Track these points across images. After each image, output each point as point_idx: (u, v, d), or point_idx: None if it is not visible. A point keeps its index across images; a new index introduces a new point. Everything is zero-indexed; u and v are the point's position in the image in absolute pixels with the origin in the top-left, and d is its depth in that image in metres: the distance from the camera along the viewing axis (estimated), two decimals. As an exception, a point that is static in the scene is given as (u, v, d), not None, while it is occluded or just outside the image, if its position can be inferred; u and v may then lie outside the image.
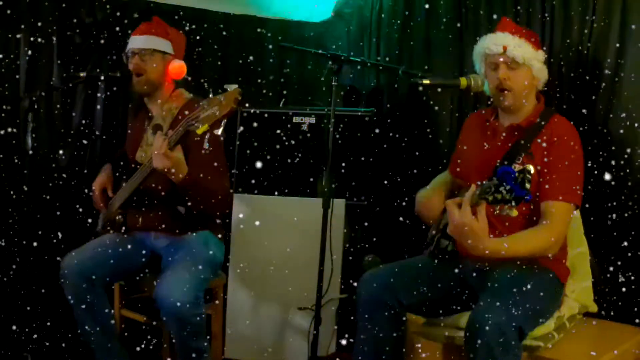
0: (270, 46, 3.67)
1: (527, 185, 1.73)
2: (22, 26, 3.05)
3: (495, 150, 2.31)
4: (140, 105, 2.73)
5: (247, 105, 3.31)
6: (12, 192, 3.03)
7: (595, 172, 2.55)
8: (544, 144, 2.20)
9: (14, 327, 2.98)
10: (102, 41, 3.23)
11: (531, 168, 1.76)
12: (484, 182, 1.88)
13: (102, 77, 2.99)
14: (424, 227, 2.55)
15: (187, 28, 3.33)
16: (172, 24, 2.80)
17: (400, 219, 3.24)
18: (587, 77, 2.70)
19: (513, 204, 1.77)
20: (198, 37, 3.45)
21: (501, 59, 2.25)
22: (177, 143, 2.28)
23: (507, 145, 2.29)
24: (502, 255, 2.03)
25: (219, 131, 2.12)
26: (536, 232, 2.15)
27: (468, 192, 1.96)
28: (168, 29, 2.67)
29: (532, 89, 2.31)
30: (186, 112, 2.53)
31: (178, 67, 2.63)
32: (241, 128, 3.29)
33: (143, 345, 2.96)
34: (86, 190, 2.78)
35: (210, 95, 2.15)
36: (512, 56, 2.23)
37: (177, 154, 2.29)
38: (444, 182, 2.51)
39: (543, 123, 2.25)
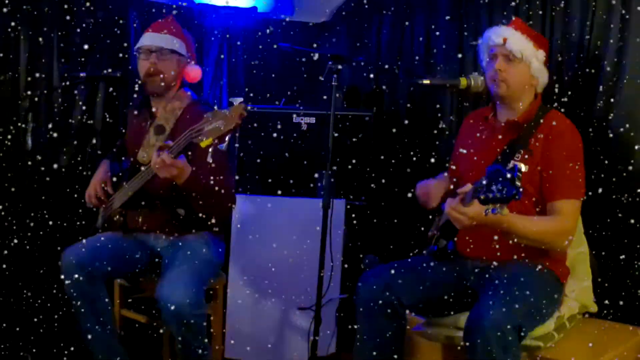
0: (270, 46, 3.67)
1: (518, 183, 1.72)
2: (22, 26, 3.05)
3: (493, 146, 2.31)
4: (143, 104, 2.71)
5: (248, 103, 3.31)
6: (12, 192, 3.03)
7: (595, 171, 2.55)
8: (543, 140, 2.21)
9: (14, 327, 2.99)
10: (102, 41, 3.23)
11: (522, 166, 1.75)
12: (477, 182, 1.88)
13: (102, 77, 2.99)
14: (423, 228, 2.55)
15: (187, 28, 3.33)
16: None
17: (400, 219, 3.25)
18: (587, 76, 2.70)
19: (504, 202, 1.77)
20: (198, 38, 3.45)
21: (500, 51, 2.27)
22: (183, 150, 2.27)
23: (504, 141, 2.29)
24: (513, 229, 2.04)
25: (224, 146, 2.11)
26: (548, 219, 2.18)
27: (464, 188, 1.98)
28: (182, 30, 2.65)
29: (529, 88, 2.31)
30: (188, 117, 2.52)
31: (195, 71, 2.62)
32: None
33: (143, 345, 2.96)
34: (82, 189, 2.77)
35: (215, 108, 2.13)
36: (510, 49, 2.25)
37: (181, 160, 2.29)
38: (444, 179, 2.53)
39: (540, 119, 2.26)
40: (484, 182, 1.78)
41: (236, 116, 2.04)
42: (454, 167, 2.49)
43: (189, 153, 2.39)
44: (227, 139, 2.10)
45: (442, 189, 2.40)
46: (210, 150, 2.12)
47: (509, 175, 1.73)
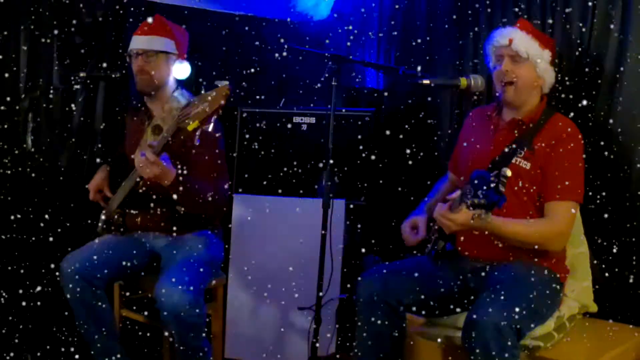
0: (270, 46, 3.66)
1: (501, 189, 1.72)
2: (22, 26, 3.05)
3: (496, 144, 2.31)
4: (139, 105, 2.72)
5: (248, 103, 3.32)
6: (12, 192, 3.03)
7: (596, 171, 2.55)
8: (546, 142, 2.22)
9: (14, 327, 2.99)
10: (102, 41, 3.23)
11: (508, 172, 1.75)
12: (464, 186, 1.88)
13: (102, 77, 2.99)
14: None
15: (187, 28, 3.32)
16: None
17: (400, 219, 3.24)
18: (587, 77, 2.70)
19: (487, 209, 1.77)
20: (198, 37, 3.45)
21: (506, 51, 2.28)
22: (167, 144, 2.27)
23: (508, 140, 2.30)
24: (502, 233, 2.05)
25: (210, 127, 2.13)
26: (539, 221, 2.19)
27: (454, 195, 1.98)
28: (170, 27, 2.66)
29: (536, 88, 2.32)
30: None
31: (182, 68, 2.63)
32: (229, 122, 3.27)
33: (143, 345, 2.96)
34: (85, 188, 2.77)
35: (203, 92, 2.15)
36: (517, 49, 2.26)
37: (164, 161, 2.30)
38: (439, 195, 2.54)
39: (544, 120, 2.27)
40: (470, 187, 1.78)
41: (220, 97, 2.07)
42: (458, 165, 2.49)
43: (185, 152, 2.40)
44: (212, 120, 2.12)
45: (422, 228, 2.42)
46: (197, 133, 2.13)
47: (492, 181, 1.72)
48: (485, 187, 1.73)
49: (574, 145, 2.21)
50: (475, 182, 1.76)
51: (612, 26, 2.63)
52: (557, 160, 2.18)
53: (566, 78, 2.75)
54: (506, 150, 2.26)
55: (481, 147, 2.35)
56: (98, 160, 3.23)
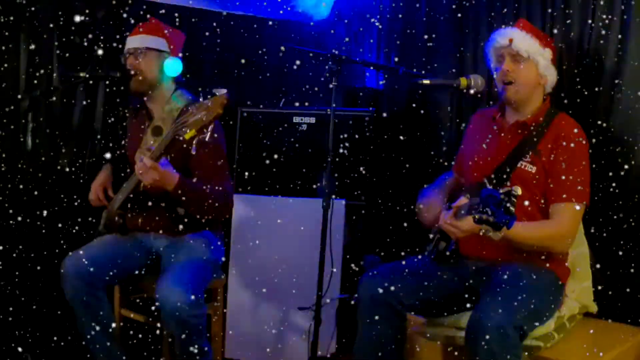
0: (270, 46, 3.66)
1: (511, 209, 1.71)
2: (22, 26, 3.05)
3: (501, 147, 2.31)
4: (140, 106, 2.73)
5: (248, 103, 3.32)
6: (12, 192, 3.03)
7: (596, 170, 2.55)
8: (550, 143, 2.22)
9: (14, 327, 2.99)
10: (102, 41, 3.23)
11: (519, 190, 1.73)
12: (473, 198, 1.88)
13: (102, 77, 2.99)
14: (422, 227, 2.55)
15: (186, 28, 3.33)
16: (172, 24, 2.80)
17: (400, 219, 3.24)
18: (587, 77, 2.70)
19: (495, 229, 1.75)
20: (198, 37, 3.45)
21: (507, 51, 2.29)
22: (165, 151, 2.28)
23: (513, 142, 2.30)
24: (510, 240, 2.04)
25: (207, 137, 2.13)
26: (545, 223, 2.19)
27: (459, 202, 1.98)
28: (164, 27, 2.67)
29: (538, 87, 2.32)
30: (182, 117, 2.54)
31: (173, 64, 2.64)
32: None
33: (143, 345, 2.96)
34: (85, 192, 2.77)
35: (201, 100, 2.15)
36: (517, 49, 2.26)
37: (162, 165, 2.30)
38: (447, 184, 2.53)
39: (548, 121, 2.26)
40: (479, 203, 1.78)
41: (217, 106, 2.07)
42: (462, 167, 2.49)
43: (186, 157, 2.40)
44: (209, 129, 2.11)
45: (439, 206, 2.38)
46: (194, 142, 2.13)
47: (502, 201, 1.71)
48: (494, 206, 1.72)
49: (579, 146, 2.21)
50: (485, 197, 1.74)
51: (612, 26, 2.62)
52: (562, 161, 2.18)
53: (565, 78, 2.75)
54: (511, 154, 2.26)
55: (486, 151, 2.35)
56: (98, 157, 3.23)
